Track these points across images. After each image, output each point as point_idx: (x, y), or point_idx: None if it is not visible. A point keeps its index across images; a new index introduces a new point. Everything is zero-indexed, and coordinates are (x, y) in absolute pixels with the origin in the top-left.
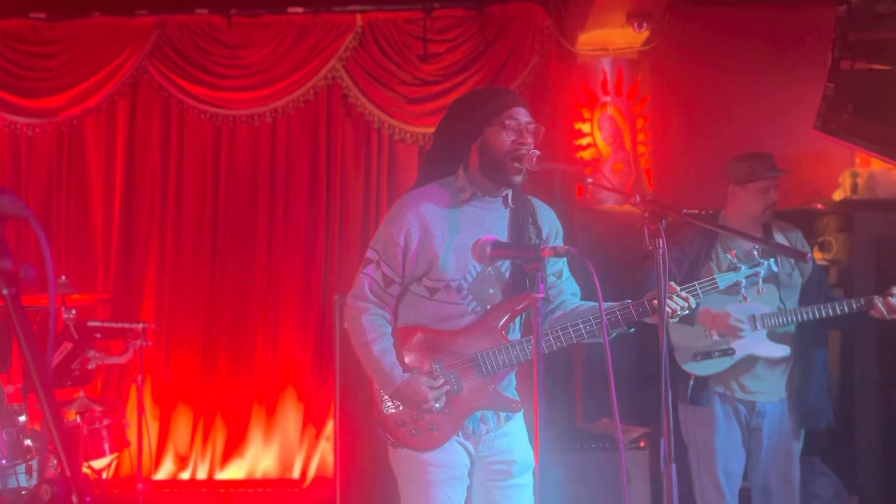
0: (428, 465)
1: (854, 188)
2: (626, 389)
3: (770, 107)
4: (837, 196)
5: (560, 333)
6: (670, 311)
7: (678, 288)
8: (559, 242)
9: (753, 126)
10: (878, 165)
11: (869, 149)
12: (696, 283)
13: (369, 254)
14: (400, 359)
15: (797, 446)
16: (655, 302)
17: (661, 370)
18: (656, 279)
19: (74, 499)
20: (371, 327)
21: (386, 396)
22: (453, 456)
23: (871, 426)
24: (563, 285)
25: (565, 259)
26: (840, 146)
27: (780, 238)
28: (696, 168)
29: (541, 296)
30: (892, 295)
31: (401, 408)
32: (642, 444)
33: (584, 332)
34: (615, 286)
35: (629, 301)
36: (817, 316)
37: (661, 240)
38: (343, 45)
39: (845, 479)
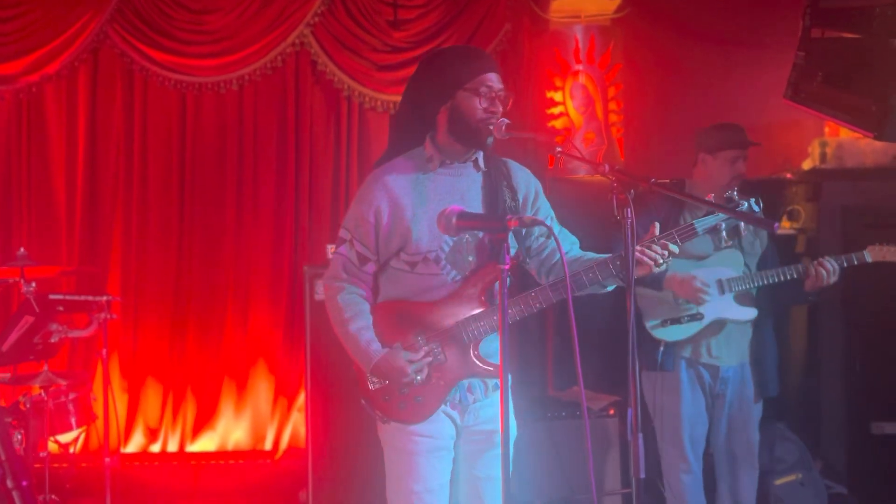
0: (414, 436)
1: (823, 157)
2: (597, 357)
3: (742, 75)
4: (806, 165)
5: (550, 289)
6: (651, 261)
7: (657, 237)
8: (540, 202)
9: (725, 94)
10: (846, 135)
11: (838, 118)
12: (673, 230)
13: (342, 233)
14: (383, 334)
15: (757, 412)
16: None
17: (629, 338)
18: (624, 247)
19: (9, 483)
20: (347, 306)
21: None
22: (439, 427)
23: (834, 392)
24: (553, 243)
25: (552, 216)
26: (810, 115)
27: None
28: (668, 137)
29: (507, 267)
30: (821, 264)
31: (385, 382)
32: (611, 411)
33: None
34: None
35: (601, 259)
36: (779, 279)
37: (629, 209)
38: (311, 11)
39: (809, 444)
